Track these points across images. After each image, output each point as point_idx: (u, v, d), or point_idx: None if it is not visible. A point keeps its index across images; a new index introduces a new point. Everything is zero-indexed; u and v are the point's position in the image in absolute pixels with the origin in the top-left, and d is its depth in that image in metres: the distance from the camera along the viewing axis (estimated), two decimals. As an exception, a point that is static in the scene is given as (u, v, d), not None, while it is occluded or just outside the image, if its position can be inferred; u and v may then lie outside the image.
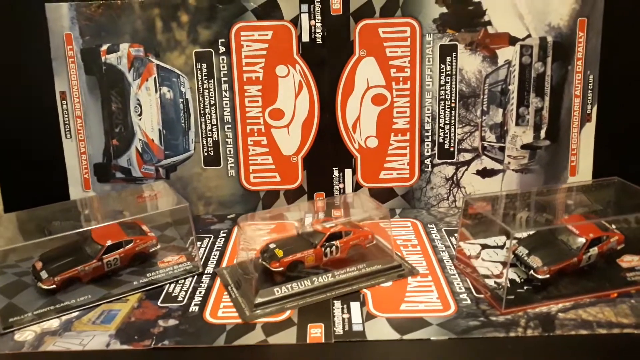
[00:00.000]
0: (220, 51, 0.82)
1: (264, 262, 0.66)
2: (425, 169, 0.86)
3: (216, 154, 0.85)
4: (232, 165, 0.86)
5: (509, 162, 0.86)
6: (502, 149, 0.86)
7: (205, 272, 0.70)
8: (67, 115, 0.84)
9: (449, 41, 0.82)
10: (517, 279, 0.65)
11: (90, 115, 0.84)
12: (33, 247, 0.66)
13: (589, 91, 0.83)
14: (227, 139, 0.85)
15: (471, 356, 0.55)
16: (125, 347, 0.56)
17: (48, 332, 0.59)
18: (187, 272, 0.69)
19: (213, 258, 0.73)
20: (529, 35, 0.82)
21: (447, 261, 0.71)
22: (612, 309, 0.60)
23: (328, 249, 0.66)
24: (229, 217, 0.86)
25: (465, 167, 0.86)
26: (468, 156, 0.86)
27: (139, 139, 0.85)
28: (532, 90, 0.83)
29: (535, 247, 0.65)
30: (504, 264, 0.66)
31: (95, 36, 0.81)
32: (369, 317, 0.60)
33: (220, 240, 0.79)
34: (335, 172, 0.86)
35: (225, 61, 0.83)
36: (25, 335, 0.58)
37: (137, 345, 0.57)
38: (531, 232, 0.68)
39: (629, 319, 0.58)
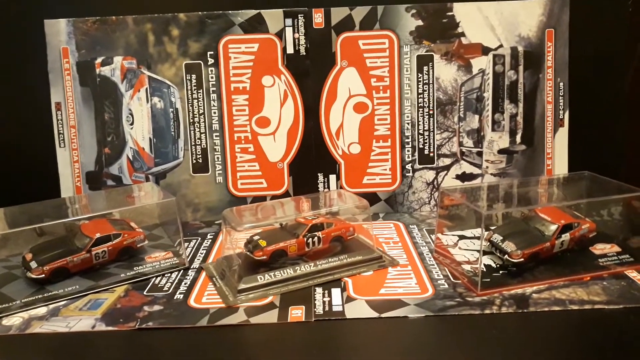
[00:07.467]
0: (209, 63, 0.87)
1: (247, 252, 0.68)
2: (407, 174, 0.89)
3: (204, 161, 0.89)
4: (220, 172, 0.89)
5: (487, 167, 0.89)
6: (479, 154, 0.89)
7: (192, 267, 0.72)
8: (61, 125, 0.87)
9: (425, 52, 0.87)
10: (493, 265, 0.67)
11: (84, 125, 0.87)
12: (24, 241, 0.68)
13: (560, 97, 0.87)
14: (215, 147, 0.88)
15: (447, 333, 0.56)
16: (110, 328, 0.58)
17: (35, 318, 0.60)
18: (173, 266, 0.71)
19: (200, 256, 0.75)
20: (500, 45, 0.87)
21: (427, 254, 0.73)
22: (585, 289, 0.62)
23: (310, 239, 0.69)
24: (216, 222, 0.88)
25: (445, 172, 0.89)
26: (447, 161, 0.89)
27: (130, 148, 0.88)
28: (506, 97, 0.88)
29: (509, 234, 0.67)
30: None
31: (90, 50, 0.86)
32: (348, 300, 0.62)
33: (207, 241, 0.81)
34: (320, 177, 0.89)
35: (213, 72, 0.87)
36: (13, 321, 0.60)
37: (122, 326, 0.58)
38: (506, 221, 0.70)
39: (601, 297, 0.60)
